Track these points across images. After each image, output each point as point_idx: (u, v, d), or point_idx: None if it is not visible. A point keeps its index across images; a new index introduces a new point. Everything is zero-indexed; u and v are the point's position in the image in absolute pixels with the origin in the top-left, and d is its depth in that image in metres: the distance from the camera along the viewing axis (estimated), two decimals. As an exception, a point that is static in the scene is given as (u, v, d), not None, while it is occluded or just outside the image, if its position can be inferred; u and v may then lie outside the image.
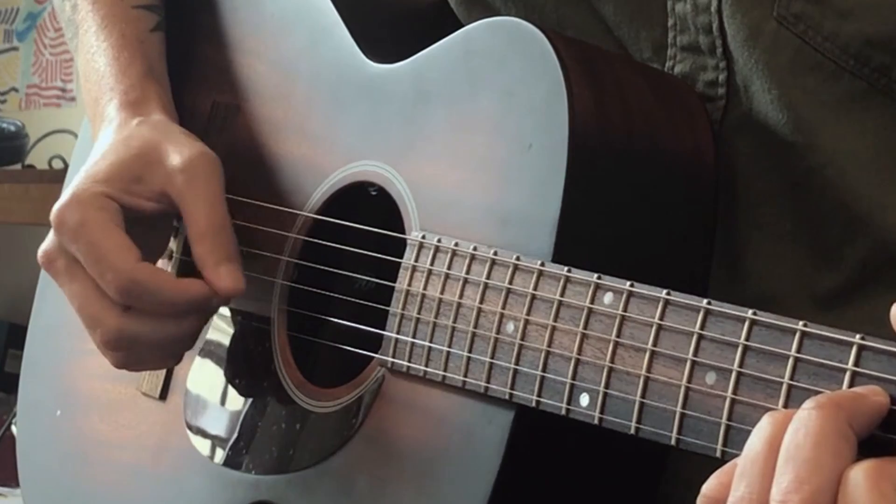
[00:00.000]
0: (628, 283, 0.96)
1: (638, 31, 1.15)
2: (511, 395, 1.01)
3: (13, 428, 1.49)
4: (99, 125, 1.28)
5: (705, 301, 0.91)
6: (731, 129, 1.12)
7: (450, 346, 1.06)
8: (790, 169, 1.10)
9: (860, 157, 1.08)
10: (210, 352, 1.28)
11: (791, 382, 0.85)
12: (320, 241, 1.21)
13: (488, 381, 1.03)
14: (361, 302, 1.17)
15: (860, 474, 0.76)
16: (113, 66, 1.30)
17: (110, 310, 1.17)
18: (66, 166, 2.72)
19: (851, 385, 0.82)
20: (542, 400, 0.99)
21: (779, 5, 1.08)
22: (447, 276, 1.07)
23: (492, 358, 1.03)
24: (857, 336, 0.83)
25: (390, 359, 1.10)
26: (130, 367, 1.24)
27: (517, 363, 1.01)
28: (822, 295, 1.11)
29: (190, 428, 1.28)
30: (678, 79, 1.13)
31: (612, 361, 0.96)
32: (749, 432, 0.82)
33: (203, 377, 1.28)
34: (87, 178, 1.21)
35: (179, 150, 1.21)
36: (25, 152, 3.43)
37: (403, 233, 1.13)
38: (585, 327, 0.98)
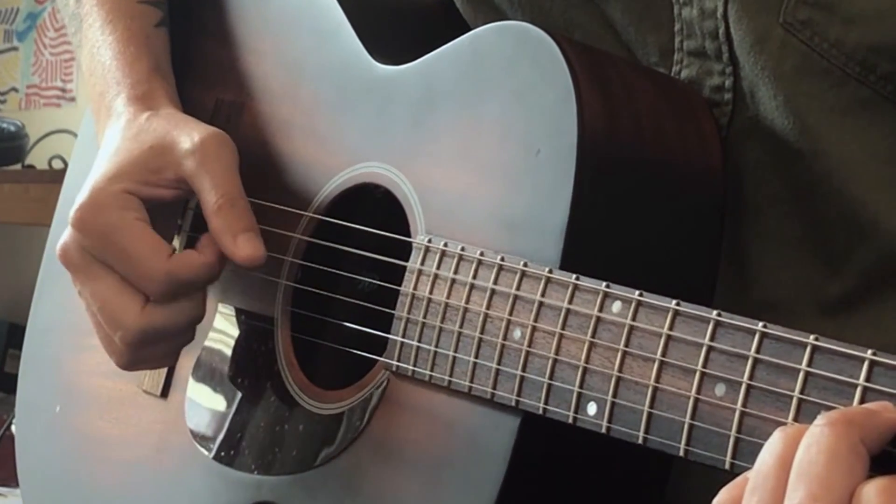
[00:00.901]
0: (637, 292, 0.95)
1: (645, 35, 1.15)
2: (517, 401, 1.01)
3: (13, 428, 1.49)
4: (106, 119, 1.27)
5: (715, 312, 0.91)
6: (738, 135, 1.11)
7: (455, 352, 1.05)
8: (796, 175, 1.10)
9: (866, 164, 1.08)
10: (213, 351, 1.27)
11: (801, 396, 0.85)
12: (325, 243, 1.20)
13: (494, 388, 1.02)
14: (366, 304, 1.17)
15: (872, 491, 0.76)
16: (119, 60, 1.29)
17: (132, 309, 1.17)
18: (66, 166, 2.71)
19: (862, 400, 0.82)
20: (549, 408, 0.99)
21: (785, 11, 1.07)
22: (453, 281, 1.07)
23: (498, 364, 1.02)
24: (869, 351, 0.82)
25: (395, 362, 1.10)
26: (134, 367, 1.23)
27: (524, 370, 1.01)
28: (828, 301, 1.11)
29: (191, 427, 1.27)
30: (686, 84, 1.12)
31: (620, 371, 0.95)
32: (759, 445, 0.81)
33: (205, 376, 1.28)
34: (102, 176, 1.21)
35: (189, 135, 1.21)
36: (25, 152, 3.44)
37: (409, 235, 1.12)
38: (593, 336, 0.97)
